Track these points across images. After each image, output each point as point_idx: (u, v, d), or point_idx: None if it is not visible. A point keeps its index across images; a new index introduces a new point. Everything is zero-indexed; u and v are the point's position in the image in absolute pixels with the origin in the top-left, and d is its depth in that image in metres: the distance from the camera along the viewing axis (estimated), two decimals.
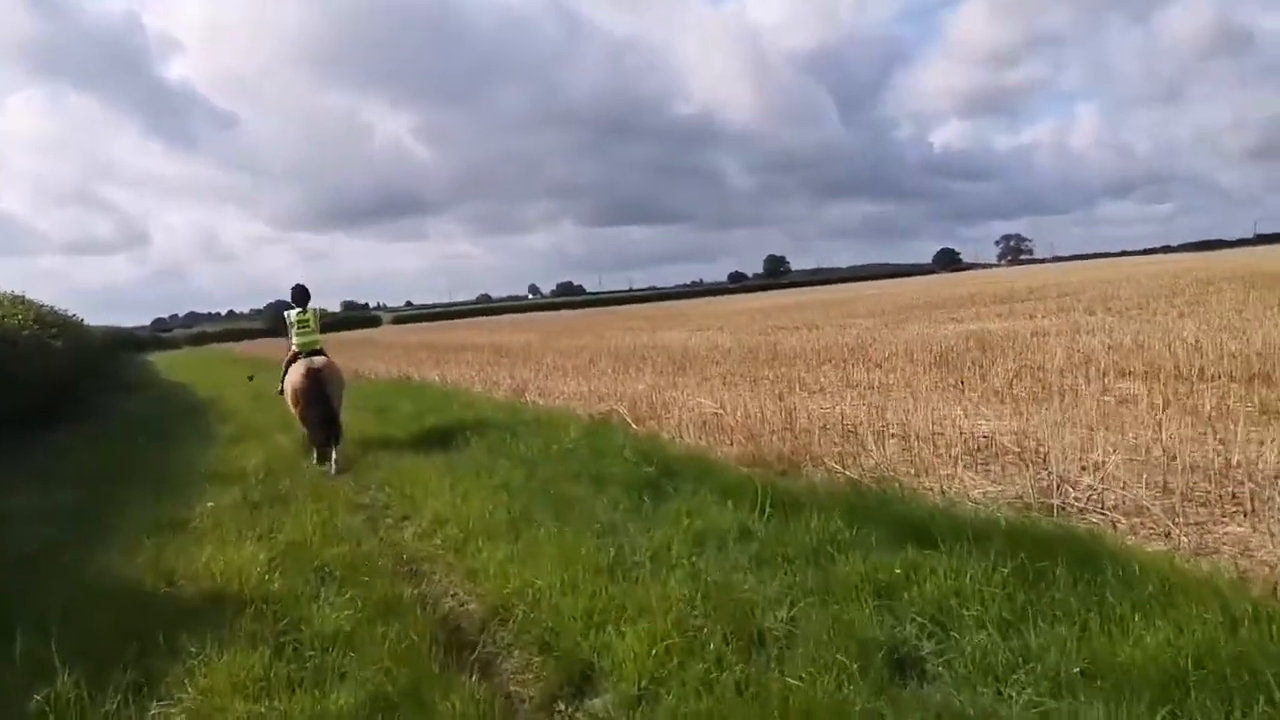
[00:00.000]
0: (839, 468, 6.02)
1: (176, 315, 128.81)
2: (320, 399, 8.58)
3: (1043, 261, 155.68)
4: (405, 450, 8.39)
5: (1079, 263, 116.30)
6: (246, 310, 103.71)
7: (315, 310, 9.41)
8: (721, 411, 8.07)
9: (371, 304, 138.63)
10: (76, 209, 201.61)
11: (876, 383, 10.60)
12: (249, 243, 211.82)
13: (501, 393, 13.43)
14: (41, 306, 15.18)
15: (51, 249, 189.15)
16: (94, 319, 54.62)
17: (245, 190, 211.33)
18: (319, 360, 8.95)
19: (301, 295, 9.24)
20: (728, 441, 7.65)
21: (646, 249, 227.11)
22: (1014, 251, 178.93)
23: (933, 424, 7.08)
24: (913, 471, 5.97)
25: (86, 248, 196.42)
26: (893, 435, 7.06)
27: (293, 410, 8.90)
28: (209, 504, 6.44)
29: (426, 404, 11.68)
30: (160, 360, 46.49)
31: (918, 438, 6.73)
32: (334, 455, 8.38)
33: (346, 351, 32.71)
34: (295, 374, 8.76)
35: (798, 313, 33.13)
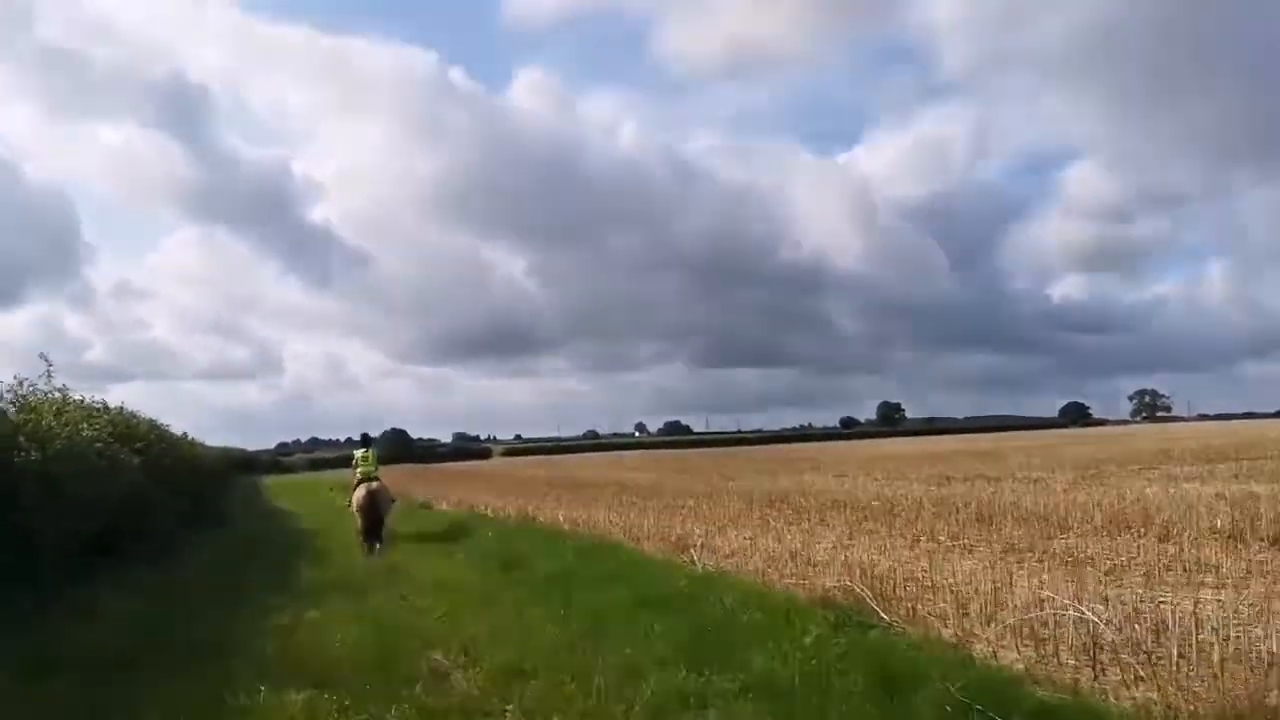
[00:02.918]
0: None
1: (299, 440, 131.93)
2: (374, 510, 12.26)
3: (1185, 420, 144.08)
4: (558, 643, 5.60)
5: (1236, 423, 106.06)
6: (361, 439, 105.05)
7: (375, 451, 13.67)
8: (1082, 616, 4.97)
9: (482, 435, 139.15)
10: (218, 338, 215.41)
11: (1191, 565, 7.34)
12: (370, 373, 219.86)
13: (651, 544, 10.65)
14: (133, 417, 13.51)
15: (193, 374, 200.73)
16: (225, 440, 55.34)
17: (370, 324, 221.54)
18: (375, 484, 12.53)
19: (365, 441, 14.40)
20: (1104, 670, 4.58)
21: (754, 391, 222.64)
22: (1149, 408, 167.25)
23: None
24: None
25: (224, 373, 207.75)
26: None
27: (356, 516, 12.47)
28: None
29: (565, 560, 8.95)
30: (275, 483, 45.82)
31: None
32: (378, 548, 11.86)
33: (461, 484, 30.64)
34: (359, 493, 12.47)
35: (950, 461, 29.38)
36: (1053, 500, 13.35)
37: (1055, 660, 4.74)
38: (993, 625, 5.33)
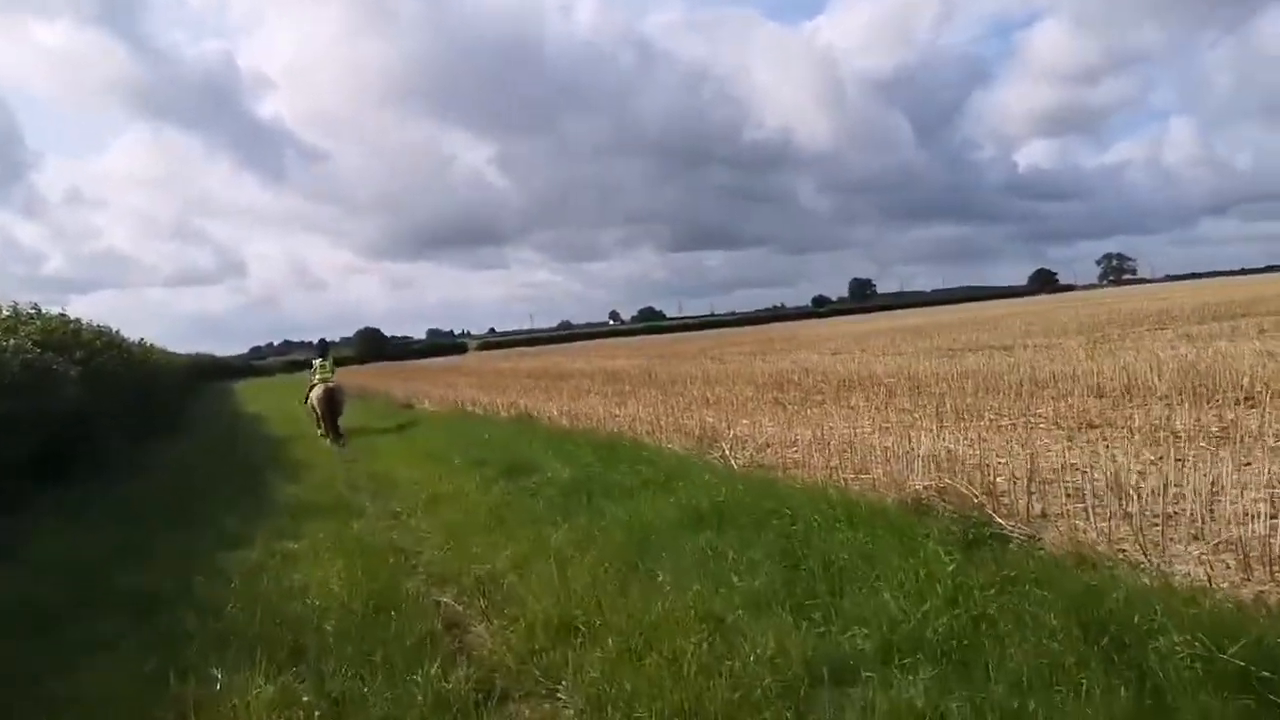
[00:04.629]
0: None
1: (272, 344, 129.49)
2: (333, 407, 13.72)
3: (1152, 281, 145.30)
4: (600, 578, 4.35)
5: (1206, 281, 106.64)
6: (337, 338, 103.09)
7: (331, 359, 15.37)
8: None
9: (456, 331, 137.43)
10: (178, 242, 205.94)
11: None
12: (338, 272, 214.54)
13: (667, 437, 9.49)
14: (72, 323, 11.92)
15: (157, 281, 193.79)
16: (198, 347, 53.58)
17: (334, 221, 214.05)
18: (333, 382, 14.25)
19: (322, 347, 16.30)
20: None
21: (725, 274, 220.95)
22: (1116, 271, 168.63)
23: None
24: None
25: (188, 279, 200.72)
26: None
27: (317, 412, 13.98)
28: None
29: (582, 462, 7.74)
30: (247, 388, 44.33)
31: None
32: (340, 442, 13.22)
33: (441, 380, 29.31)
34: (318, 391, 13.95)
35: (945, 333, 28.40)
36: (1085, 367, 12.31)
37: (1273, 583, 3.59)
38: (1151, 525, 4.14)
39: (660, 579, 4.20)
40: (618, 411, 12.85)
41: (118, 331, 15.84)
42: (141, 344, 19.88)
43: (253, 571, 5.23)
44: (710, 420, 10.39)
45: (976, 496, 4.89)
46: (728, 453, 7.85)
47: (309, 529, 6.52)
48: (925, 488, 5.30)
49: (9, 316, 9.52)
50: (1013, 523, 4.61)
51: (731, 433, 8.87)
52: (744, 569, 4.08)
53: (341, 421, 14.02)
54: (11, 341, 8.45)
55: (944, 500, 5.07)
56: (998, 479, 5.49)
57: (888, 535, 4.24)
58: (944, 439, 7.22)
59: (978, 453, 6.26)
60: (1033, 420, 8.50)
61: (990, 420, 8.65)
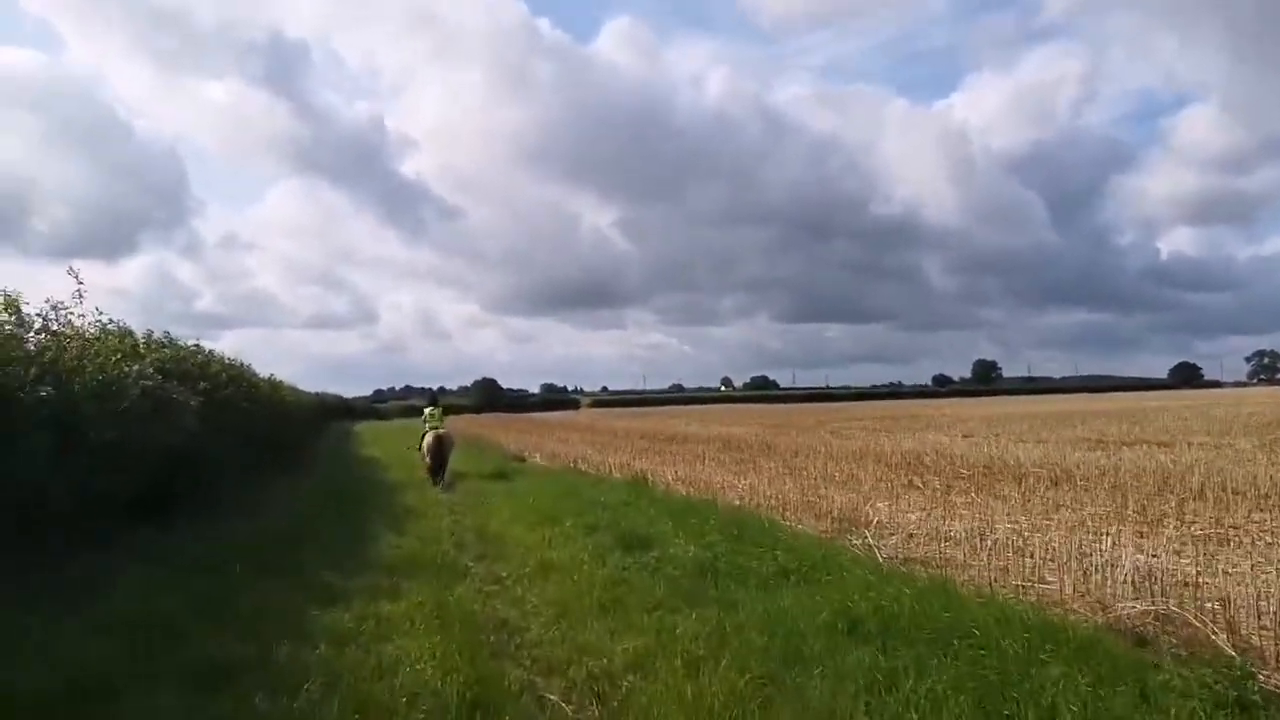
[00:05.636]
0: None
1: (394, 388, 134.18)
2: (440, 453, 14.60)
3: None
4: (741, 692, 3.57)
5: None
6: (455, 387, 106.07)
7: (441, 408, 16.79)
8: None
9: (570, 387, 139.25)
10: (319, 288, 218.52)
11: None
12: (462, 323, 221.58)
13: (798, 517, 8.64)
14: (199, 353, 12.05)
15: (296, 323, 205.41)
16: (325, 387, 55.56)
17: (463, 275, 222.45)
18: (442, 431, 15.14)
19: (433, 400, 19.40)
20: None
21: (842, 347, 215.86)
22: (1269, 370, 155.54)
23: None
24: None
25: (325, 323, 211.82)
26: None
27: (425, 458, 14.74)
28: None
29: (707, 541, 6.95)
30: (368, 430, 45.52)
31: None
32: (442, 483, 14.14)
33: (554, 435, 29.13)
34: (429, 438, 14.83)
35: (1086, 423, 26.22)
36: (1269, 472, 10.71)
37: None
38: None
39: (814, 703, 3.40)
40: (737, 482, 12.04)
41: (248, 366, 16.13)
42: (271, 380, 20.34)
43: (341, 639, 4.69)
44: (843, 501, 9.45)
45: (1216, 634, 3.88)
46: (871, 541, 6.93)
47: (409, 589, 6.01)
48: (1142, 614, 4.28)
49: (139, 343, 9.56)
50: (1265, 672, 3.59)
51: (874, 519, 7.92)
52: (926, 706, 3.23)
53: (449, 468, 15.00)
54: (135, 367, 8.38)
55: (1168, 633, 4.07)
56: (1225, 609, 4.43)
57: (1113, 678, 3.31)
58: (1139, 548, 6.11)
59: (1187, 568, 5.17)
60: (1230, 533, 7.23)
61: (1180, 530, 7.39)
